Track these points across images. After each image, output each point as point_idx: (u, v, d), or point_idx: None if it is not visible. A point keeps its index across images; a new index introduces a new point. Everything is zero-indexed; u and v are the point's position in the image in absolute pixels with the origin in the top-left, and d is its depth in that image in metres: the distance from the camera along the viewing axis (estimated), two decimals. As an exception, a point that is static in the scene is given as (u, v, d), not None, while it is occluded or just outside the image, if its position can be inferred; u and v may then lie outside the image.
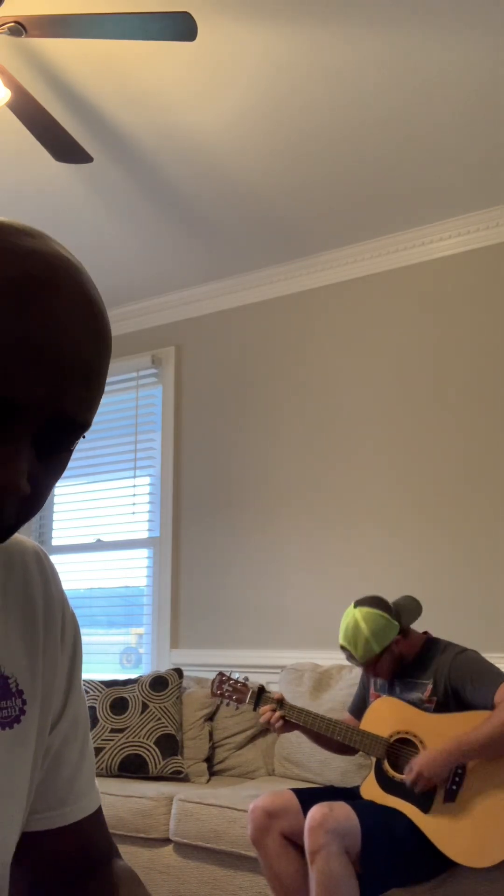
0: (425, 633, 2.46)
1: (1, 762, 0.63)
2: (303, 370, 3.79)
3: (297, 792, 2.27)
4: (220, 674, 2.50)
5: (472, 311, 3.41)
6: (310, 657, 3.35)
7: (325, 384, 3.72)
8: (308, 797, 2.24)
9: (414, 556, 3.31)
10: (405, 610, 2.40)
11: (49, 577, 0.70)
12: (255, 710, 2.43)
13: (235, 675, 2.49)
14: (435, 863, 2.09)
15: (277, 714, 2.33)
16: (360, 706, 2.54)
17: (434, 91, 2.67)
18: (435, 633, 2.46)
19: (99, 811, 0.75)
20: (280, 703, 2.37)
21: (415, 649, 2.37)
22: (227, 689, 2.45)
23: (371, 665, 2.34)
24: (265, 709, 2.36)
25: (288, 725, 2.35)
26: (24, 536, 0.71)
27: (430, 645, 2.38)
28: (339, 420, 3.64)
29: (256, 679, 3.42)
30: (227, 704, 2.46)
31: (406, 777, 2.11)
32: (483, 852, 2.03)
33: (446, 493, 3.32)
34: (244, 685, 2.45)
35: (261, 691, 2.42)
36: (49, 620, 0.69)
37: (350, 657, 2.37)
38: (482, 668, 2.23)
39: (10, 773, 0.63)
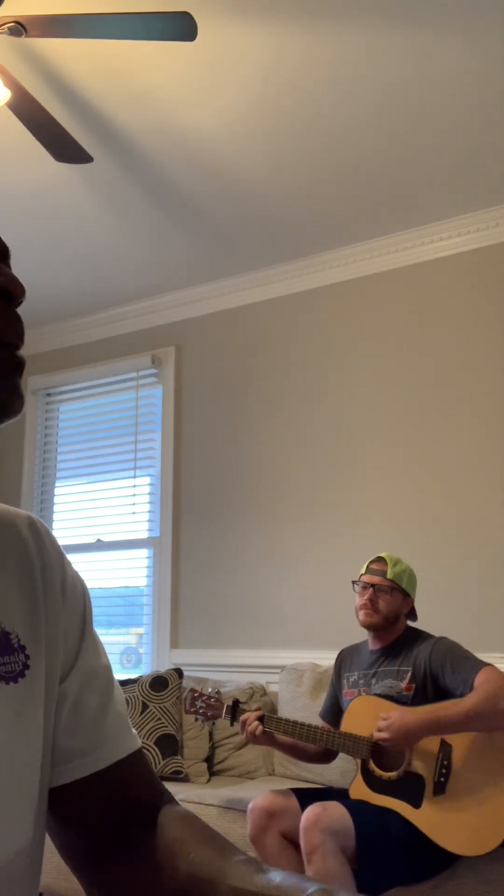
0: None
1: (6, 716, 0.64)
2: (303, 370, 3.79)
3: (297, 792, 2.27)
4: (192, 690, 2.49)
5: (472, 310, 3.41)
6: (310, 657, 3.35)
7: (326, 384, 3.71)
8: (308, 797, 2.24)
9: (415, 557, 3.29)
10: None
11: (44, 540, 0.72)
12: (231, 724, 2.43)
13: (208, 690, 2.50)
14: (435, 859, 2.09)
15: (254, 714, 2.34)
16: (330, 710, 2.57)
17: (434, 91, 2.67)
18: (436, 633, 2.47)
19: (137, 757, 0.74)
20: (257, 712, 2.38)
21: (398, 633, 2.44)
22: (201, 705, 2.43)
23: (384, 591, 2.40)
24: (247, 715, 2.36)
25: (267, 736, 2.36)
26: (18, 508, 0.74)
27: (411, 633, 2.44)
28: (339, 419, 3.64)
29: (256, 679, 3.43)
30: (203, 721, 2.47)
31: (376, 731, 2.13)
32: (478, 841, 2.04)
33: (447, 494, 3.32)
34: (217, 700, 2.44)
35: (235, 704, 2.43)
36: (48, 579, 0.71)
37: (379, 569, 2.44)
38: (462, 654, 2.27)
39: (16, 726, 0.64)
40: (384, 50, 2.48)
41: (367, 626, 2.44)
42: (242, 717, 2.38)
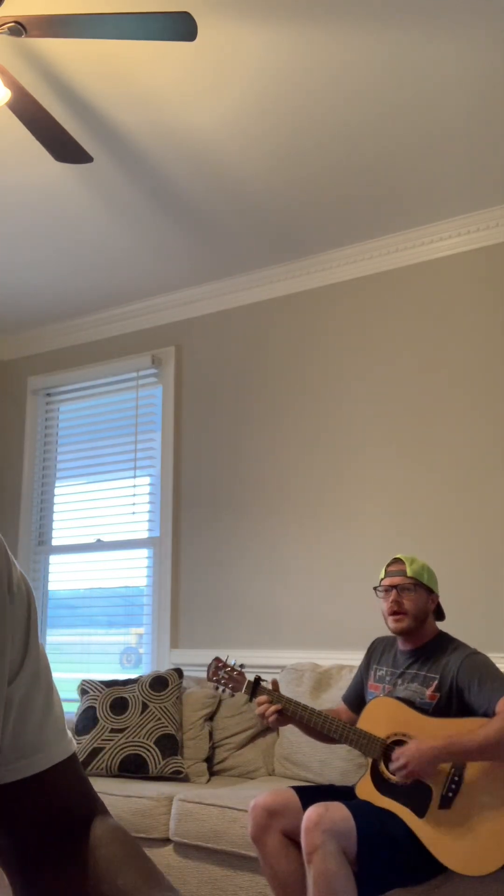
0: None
1: None
2: (303, 370, 3.79)
3: (298, 790, 2.27)
4: (217, 659, 2.48)
5: (472, 310, 3.41)
6: (310, 657, 3.35)
7: (326, 384, 3.72)
8: (309, 796, 2.23)
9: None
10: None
11: None
12: (250, 700, 2.41)
13: (232, 661, 2.48)
14: (433, 867, 2.09)
15: (273, 708, 2.32)
16: (354, 696, 2.54)
17: (434, 91, 2.67)
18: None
19: (72, 761, 0.75)
20: (277, 695, 2.36)
21: (430, 635, 2.39)
22: (223, 675, 2.43)
23: (407, 590, 2.37)
24: (261, 699, 2.35)
25: (283, 719, 2.34)
26: None
27: (443, 639, 2.38)
28: (339, 420, 3.64)
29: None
30: (222, 690, 2.45)
31: (392, 767, 2.10)
32: (476, 861, 2.02)
33: (448, 494, 3.32)
34: (240, 673, 2.43)
35: (257, 682, 2.40)
36: None
37: (397, 569, 2.41)
38: (491, 673, 2.21)
39: None
40: (384, 51, 2.48)
41: (399, 632, 2.39)
42: (258, 700, 2.36)
